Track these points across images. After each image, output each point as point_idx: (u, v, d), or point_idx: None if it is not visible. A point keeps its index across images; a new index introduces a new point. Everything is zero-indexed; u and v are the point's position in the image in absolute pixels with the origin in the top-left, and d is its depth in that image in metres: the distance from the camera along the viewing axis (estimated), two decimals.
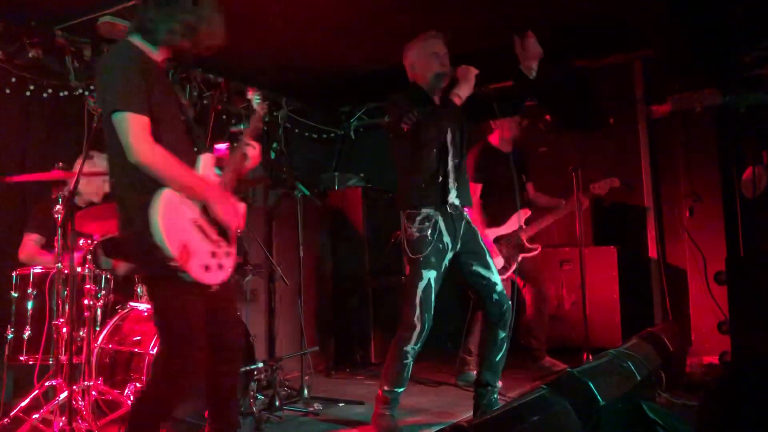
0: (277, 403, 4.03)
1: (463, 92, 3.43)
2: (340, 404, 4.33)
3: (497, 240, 4.91)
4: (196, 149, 2.71)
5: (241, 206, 2.75)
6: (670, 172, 5.71)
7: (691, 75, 5.49)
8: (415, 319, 3.43)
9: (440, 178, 3.50)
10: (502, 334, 3.56)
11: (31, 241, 4.02)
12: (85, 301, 3.56)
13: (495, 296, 3.55)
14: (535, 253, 5.02)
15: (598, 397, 2.40)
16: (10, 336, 3.55)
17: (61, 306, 3.47)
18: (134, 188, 2.43)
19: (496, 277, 3.60)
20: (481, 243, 3.64)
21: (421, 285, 3.44)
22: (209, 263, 2.51)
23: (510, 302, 3.61)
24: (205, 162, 2.65)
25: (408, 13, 4.88)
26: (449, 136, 3.56)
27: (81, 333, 3.56)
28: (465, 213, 3.64)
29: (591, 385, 2.41)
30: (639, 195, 5.87)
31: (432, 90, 3.64)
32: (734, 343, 4.39)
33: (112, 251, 4.20)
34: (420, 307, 3.43)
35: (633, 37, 5.57)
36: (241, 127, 5.14)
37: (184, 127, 2.65)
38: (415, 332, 3.44)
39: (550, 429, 2.10)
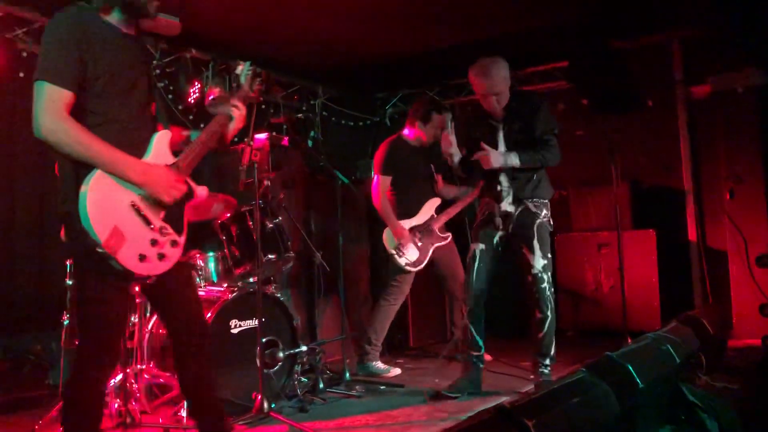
0: (320, 386, 4.15)
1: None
2: (381, 387, 4.42)
3: (411, 231, 4.93)
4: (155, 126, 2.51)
5: (201, 188, 2.53)
6: (710, 154, 5.65)
7: (732, 54, 5.40)
8: (466, 282, 4.10)
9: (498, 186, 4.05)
10: (538, 315, 3.92)
11: None
12: (136, 289, 3.69)
13: (529, 278, 3.93)
14: (447, 241, 5.05)
15: (637, 380, 2.43)
16: (66, 322, 3.70)
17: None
18: (73, 167, 2.22)
19: (537, 260, 3.91)
20: (534, 227, 3.94)
21: (469, 255, 4.10)
22: (147, 252, 2.26)
23: (542, 285, 3.89)
24: (159, 140, 2.44)
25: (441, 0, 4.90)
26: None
27: (133, 319, 3.71)
28: (528, 201, 4.00)
29: (630, 368, 2.44)
30: (678, 177, 5.83)
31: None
32: None
33: None
34: (467, 273, 4.11)
35: (671, 16, 5.49)
36: (282, 117, 5.27)
37: (145, 101, 2.45)
38: (466, 294, 4.07)
39: (590, 411, 2.14)
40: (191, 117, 5.31)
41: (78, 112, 2.23)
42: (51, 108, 2.16)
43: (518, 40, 5.70)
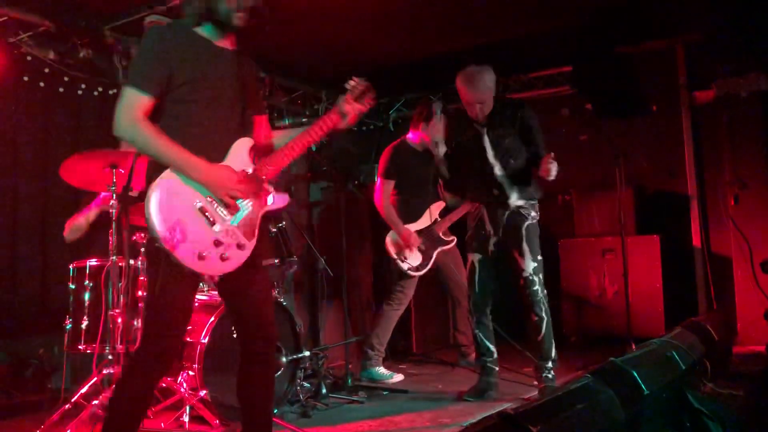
0: (323, 391, 4.13)
1: None
2: (384, 393, 4.41)
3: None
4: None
5: (280, 196, 2.61)
6: (714, 159, 5.64)
7: (736, 59, 5.39)
8: (467, 295, 4.17)
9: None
10: (534, 317, 3.96)
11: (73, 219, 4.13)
12: (140, 293, 3.69)
13: (521, 281, 3.96)
14: (451, 245, 5.03)
15: (642, 386, 2.41)
16: (69, 326, 3.70)
17: (116, 297, 3.60)
18: (152, 164, 2.41)
19: (527, 263, 3.94)
20: (523, 230, 3.96)
21: (468, 266, 4.17)
22: (207, 252, 2.33)
23: (534, 288, 3.93)
24: (238, 146, 2.50)
25: (445, 2, 4.90)
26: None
27: (136, 323, 3.70)
28: (513, 204, 4.01)
29: (635, 374, 2.43)
30: (682, 183, 5.81)
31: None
32: None
33: None
34: (468, 285, 4.17)
35: (675, 21, 5.50)
36: (285, 122, 5.27)
37: (233, 109, 2.51)
38: (469, 307, 4.15)
39: (595, 417, 2.13)
40: None
41: (159, 115, 2.40)
42: (128, 110, 2.33)
43: (522, 44, 5.70)
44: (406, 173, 4.94)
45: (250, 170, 2.50)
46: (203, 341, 3.54)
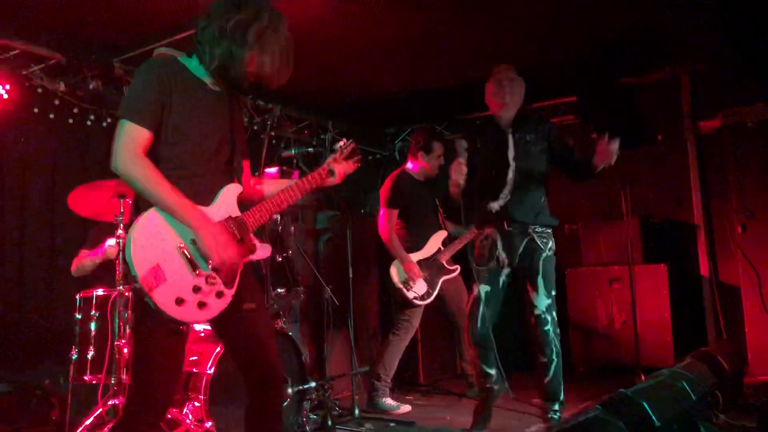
0: (329, 423, 4.09)
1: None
2: (391, 424, 4.36)
3: (419, 264, 4.87)
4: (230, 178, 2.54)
5: (263, 247, 2.54)
6: (721, 188, 5.63)
7: (741, 89, 5.41)
8: (466, 328, 3.84)
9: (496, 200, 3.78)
10: (542, 359, 3.69)
11: (80, 256, 4.17)
12: None
13: (532, 319, 3.70)
14: (455, 274, 5.01)
15: (653, 418, 2.39)
16: (75, 356, 3.69)
17: (122, 327, 3.59)
18: (136, 206, 2.36)
19: (540, 299, 3.69)
20: (539, 262, 3.74)
21: (472, 296, 3.83)
22: (186, 297, 2.25)
23: (546, 327, 3.67)
24: (227, 192, 2.46)
25: (452, 35, 4.96)
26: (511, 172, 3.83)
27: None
28: (530, 230, 3.78)
29: (645, 405, 2.40)
30: (689, 212, 5.80)
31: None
32: None
33: None
34: (469, 318, 3.81)
35: (680, 51, 5.54)
36: (292, 152, 5.29)
37: (222, 152, 2.48)
38: (467, 341, 3.87)
39: None
40: None
41: (151, 157, 2.30)
42: (129, 146, 2.24)
43: (527, 75, 5.72)
44: (408, 202, 4.95)
45: (235, 215, 2.46)
46: (209, 372, 3.51)
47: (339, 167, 2.77)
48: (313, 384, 4.01)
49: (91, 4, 4.19)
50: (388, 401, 4.77)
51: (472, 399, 4.89)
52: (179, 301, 2.23)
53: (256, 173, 3.72)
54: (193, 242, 2.30)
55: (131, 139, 2.24)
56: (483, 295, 3.78)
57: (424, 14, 4.60)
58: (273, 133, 5.51)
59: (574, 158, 3.89)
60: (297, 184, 2.65)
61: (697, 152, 5.82)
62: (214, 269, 2.33)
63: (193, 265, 2.29)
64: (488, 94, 3.94)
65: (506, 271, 3.80)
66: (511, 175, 3.79)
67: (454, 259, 5.08)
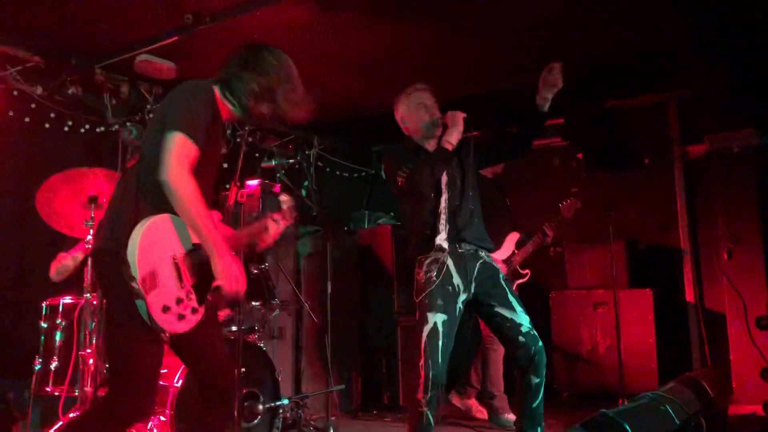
0: None
1: (452, 137, 3.35)
2: None
3: None
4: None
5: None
6: (707, 214, 5.60)
7: (728, 114, 5.41)
8: (420, 366, 3.16)
9: (440, 223, 3.33)
10: (536, 380, 3.24)
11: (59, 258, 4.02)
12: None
13: (521, 339, 3.24)
14: (525, 279, 4.81)
15: None
16: (38, 367, 3.55)
17: (88, 337, 3.47)
18: (137, 208, 2.34)
19: (522, 318, 3.29)
20: (503, 282, 3.39)
21: (426, 329, 3.19)
22: (171, 307, 2.31)
23: (540, 343, 3.28)
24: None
25: (438, 52, 4.92)
26: (445, 180, 3.40)
27: (107, 365, 3.54)
28: (482, 253, 3.42)
29: (627, 427, 2.31)
30: (675, 237, 5.77)
31: (425, 140, 3.54)
32: None
33: None
34: (424, 355, 3.16)
35: (668, 76, 5.53)
36: (273, 162, 5.21)
37: (213, 180, 2.61)
38: (421, 381, 3.15)
39: None
40: None
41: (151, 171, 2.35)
42: (184, 159, 2.30)
43: (514, 96, 5.71)
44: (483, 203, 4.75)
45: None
46: (176, 385, 3.38)
47: (280, 223, 2.81)
48: (285, 401, 3.88)
49: (73, 9, 4.12)
50: (510, 417, 4.56)
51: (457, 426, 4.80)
52: (165, 309, 2.29)
53: (236, 184, 3.63)
54: (188, 255, 2.38)
55: (186, 154, 2.30)
56: (441, 325, 3.19)
57: (413, 31, 4.57)
58: (251, 139, 5.43)
59: (512, 133, 3.67)
60: (251, 227, 2.78)
61: (684, 177, 5.81)
62: (194, 286, 2.40)
63: (180, 277, 2.35)
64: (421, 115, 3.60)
65: (462, 297, 3.30)
66: (447, 207, 3.41)
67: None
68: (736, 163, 5.33)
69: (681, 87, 5.69)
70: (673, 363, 5.29)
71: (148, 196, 2.34)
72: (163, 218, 2.33)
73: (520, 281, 4.81)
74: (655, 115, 5.89)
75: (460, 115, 3.42)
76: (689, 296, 5.60)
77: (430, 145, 3.52)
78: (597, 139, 5.96)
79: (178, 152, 2.28)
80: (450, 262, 3.27)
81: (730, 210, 5.37)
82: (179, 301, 2.34)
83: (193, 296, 2.40)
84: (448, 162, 3.41)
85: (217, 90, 2.54)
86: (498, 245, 4.69)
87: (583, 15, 4.39)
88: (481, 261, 3.36)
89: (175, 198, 2.29)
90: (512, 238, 4.83)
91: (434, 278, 3.24)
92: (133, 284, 2.21)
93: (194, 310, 2.40)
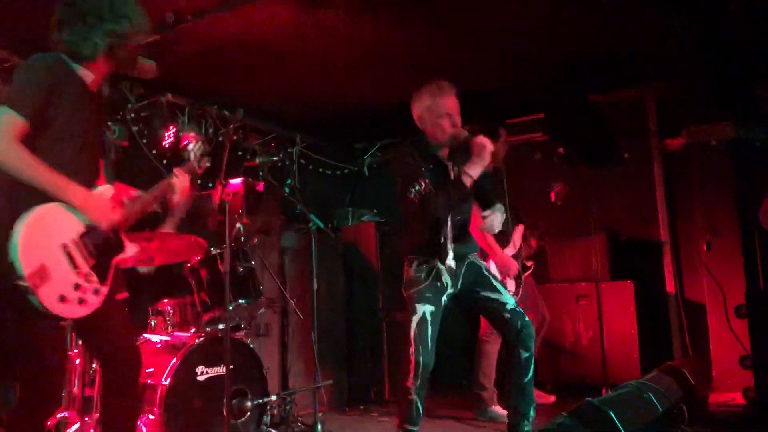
0: None
1: (475, 171, 3.38)
2: None
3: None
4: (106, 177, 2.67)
5: (132, 246, 2.65)
6: (687, 206, 5.68)
7: (705, 108, 5.49)
8: (411, 353, 3.33)
9: (442, 239, 3.42)
10: (525, 354, 3.40)
11: None
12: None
13: (507, 315, 3.42)
14: (529, 271, 4.91)
15: (620, 427, 2.34)
16: None
17: (74, 337, 3.45)
18: (8, 200, 2.33)
19: (506, 297, 3.47)
20: (485, 272, 3.55)
21: (415, 319, 3.37)
22: (68, 294, 2.33)
23: (526, 318, 3.45)
24: (104, 192, 2.55)
25: (421, 50, 4.94)
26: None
27: (94, 365, 3.54)
28: (470, 256, 3.56)
29: (612, 414, 2.36)
30: (655, 229, 5.84)
31: (440, 146, 3.56)
32: (757, 379, 4.30)
33: None
34: (414, 342, 3.33)
35: (647, 71, 5.60)
36: (256, 161, 5.22)
37: (94, 152, 2.58)
38: (411, 367, 3.32)
39: None
40: (165, 161, 5.24)
41: (30, 151, 2.32)
42: (4, 131, 2.27)
43: (496, 92, 5.76)
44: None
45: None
46: (164, 383, 3.39)
47: (183, 175, 2.78)
48: (273, 397, 3.90)
49: (52, 7, 4.08)
50: (497, 409, 4.63)
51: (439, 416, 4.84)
52: (62, 298, 2.31)
53: (221, 183, 3.62)
54: (80, 241, 2.38)
55: (7, 126, 2.27)
56: (429, 315, 3.39)
57: (396, 29, 4.58)
58: (235, 137, 5.42)
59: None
60: (154, 189, 2.71)
61: (664, 170, 5.88)
62: (93, 267, 2.42)
63: (74, 264, 2.37)
64: (434, 111, 3.56)
65: (450, 291, 3.48)
66: (451, 224, 3.50)
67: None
68: (714, 156, 5.40)
69: (659, 81, 5.76)
70: (654, 353, 5.36)
71: (25, 186, 2.31)
72: (49, 207, 2.32)
73: (527, 274, 4.88)
74: (633, 110, 5.95)
75: (489, 148, 3.41)
76: (670, 287, 5.68)
77: (443, 151, 3.55)
78: (577, 134, 6.02)
79: (3, 128, 2.27)
80: (441, 266, 3.41)
81: (709, 202, 5.46)
82: (77, 286, 2.37)
83: (93, 277, 2.43)
84: (467, 200, 3.50)
85: (65, 58, 2.47)
86: (506, 242, 4.77)
87: (563, 12, 4.44)
88: (468, 261, 3.52)
89: (7, 168, 2.27)
90: (519, 232, 4.91)
91: (424, 278, 3.41)
92: (20, 282, 2.21)
93: (96, 291, 2.44)
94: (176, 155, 5.08)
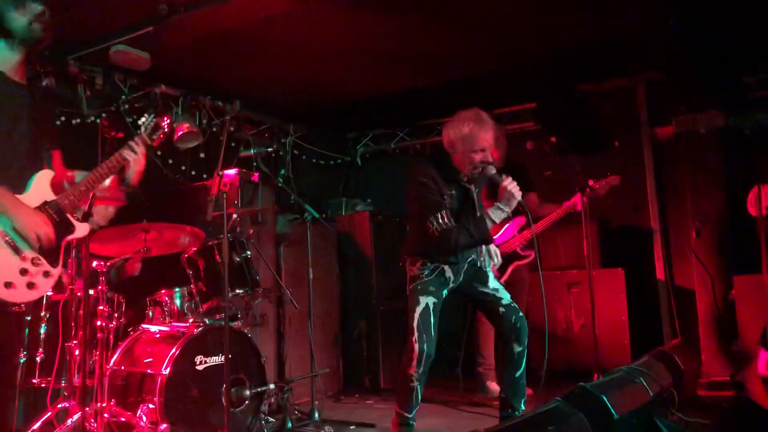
0: (289, 425, 4.02)
1: (497, 217, 3.45)
2: (351, 427, 4.31)
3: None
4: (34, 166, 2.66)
5: (82, 226, 2.70)
6: (676, 194, 5.74)
7: (694, 97, 5.54)
8: (413, 341, 3.50)
9: (454, 257, 3.58)
10: (518, 348, 3.61)
11: None
12: (98, 323, 3.58)
13: (502, 309, 3.62)
14: (527, 260, 4.98)
15: (612, 411, 2.40)
16: (23, 359, 3.55)
17: (74, 328, 3.48)
18: None
19: (502, 293, 3.65)
20: (484, 270, 3.71)
21: (419, 309, 3.53)
22: (14, 280, 2.42)
23: (521, 314, 3.64)
24: (39, 178, 2.61)
25: (412, 39, 4.97)
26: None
27: (94, 355, 3.57)
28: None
29: (604, 398, 2.42)
30: (645, 217, 5.90)
31: (466, 176, 3.60)
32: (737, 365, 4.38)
33: None
34: (417, 331, 3.50)
35: (636, 60, 5.65)
36: (251, 151, 5.23)
37: (26, 142, 2.59)
38: (414, 355, 3.48)
39: None
40: (159, 153, 5.25)
41: None
42: None
43: (487, 81, 5.79)
44: None
45: (50, 199, 2.60)
46: (164, 373, 3.43)
47: (137, 147, 2.81)
48: (271, 386, 3.94)
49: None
50: (492, 385, 4.80)
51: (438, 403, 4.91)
52: (8, 285, 2.40)
53: (218, 174, 3.66)
54: (14, 229, 2.45)
55: None
56: (432, 306, 3.55)
57: (386, 19, 4.60)
58: (232, 128, 5.43)
59: None
60: (104, 164, 2.74)
61: (654, 159, 5.94)
62: (39, 250, 2.49)
63: (16, 250, 2.44)
64: (467, 142, 3.54)
65: (451, 286, 3.64)
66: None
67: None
68: (703, 144, 5.45)
69: (648, 70, 5.81)
70: (645, 339, 5.42)
71: None
72: None
73: (519, 263, 4.97)
74: (624, 99, 6.00)
75: (517, 195, 3.44)
76: (660, 274, 5.76)
77: (467, 180, 3.61)
78: (568, 123, 6.06)
79: None
80: (447, 266, 3.59)
81: (698, 190, 5.51)
82: (24, 271, 2.45)
83: (41, 261, 2.50)
84: (488, 242, 3.61)
85: None
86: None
87: (552, 2, 4.47)
88: (470, 259, 3.66)
89: None
90: (517, 222, 5.00)
91: (428, 274, 3.58)
92: None
93: (47, 273, 2.52)
94: (170, 145, 5.12)
